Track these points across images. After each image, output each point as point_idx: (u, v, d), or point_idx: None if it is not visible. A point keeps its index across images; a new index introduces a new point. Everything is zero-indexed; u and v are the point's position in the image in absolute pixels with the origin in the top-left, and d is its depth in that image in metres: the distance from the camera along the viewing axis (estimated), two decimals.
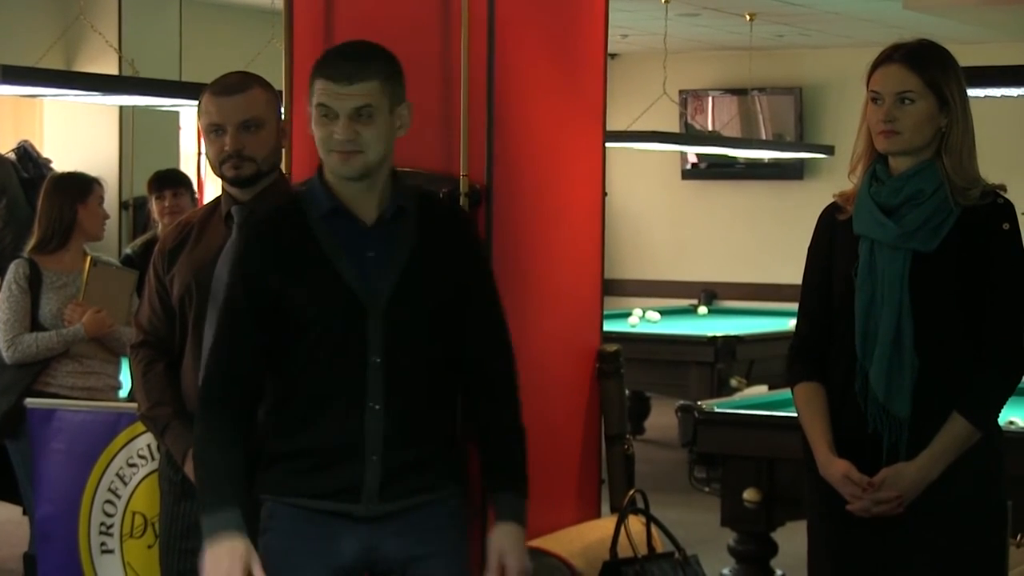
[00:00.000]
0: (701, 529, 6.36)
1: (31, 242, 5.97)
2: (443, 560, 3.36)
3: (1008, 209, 3.56)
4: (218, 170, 3.87)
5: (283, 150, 4.04)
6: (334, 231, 3.34)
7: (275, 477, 3.36)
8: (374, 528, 3.32)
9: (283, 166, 4.09)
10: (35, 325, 5.83)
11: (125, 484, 4.74)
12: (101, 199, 6.05)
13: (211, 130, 3.84)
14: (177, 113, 11.01)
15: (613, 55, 14.21)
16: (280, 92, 4.19)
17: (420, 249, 3.35)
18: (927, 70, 3.54)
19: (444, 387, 3.42)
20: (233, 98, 3.83)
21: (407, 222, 3.36)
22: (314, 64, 3.36)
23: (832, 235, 3.67)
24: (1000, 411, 3.61)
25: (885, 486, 3.49)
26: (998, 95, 7.82)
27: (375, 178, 3.34)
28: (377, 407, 3.29)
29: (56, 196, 5.97)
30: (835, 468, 3.54)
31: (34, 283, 5.85)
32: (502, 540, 3.34)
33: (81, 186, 6.02)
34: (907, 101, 3.54)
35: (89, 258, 5.94)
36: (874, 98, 3.58)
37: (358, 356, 3.29)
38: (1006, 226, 3.54)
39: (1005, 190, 3.60)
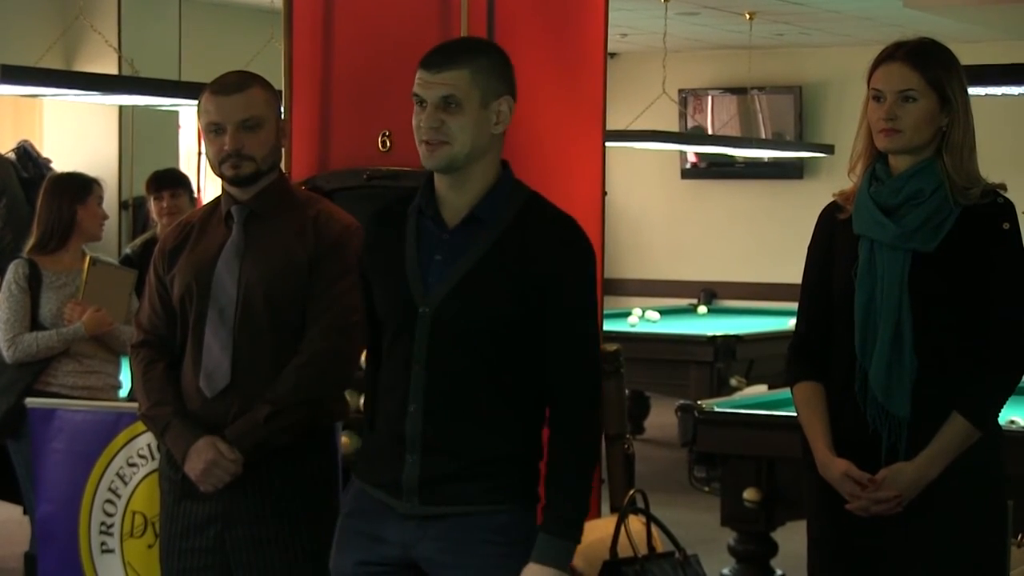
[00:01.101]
0: (701, 529, 6.36)
1: (30, 242, 5.97)
2: (473, 573, 3.28)
3: (1008, 208, 3.56)
4: (217, 169, 3.86)
5: (283, 149, 4.03)
6: (420, 229, 3.32)
7: (358, 462, 3.45)
8: (416, 527, 3.30)
9: (282, 165, 4.09)
10: (35, 325, 5.83)
11: (125, 483, 4.74)
12: (100, 199, 6.05)
13: (210, 129, 3.84)
14: (176, 113, 11.02)
15: (612, 54, 14.20)
16: (279, 91, 4.20)
17: (489, 259, 3.25)
18: (930, 69, 3.54)
19: (502, 405, 3.27)
20: (232, 97, 3.82)
21: (486, 230, 3.27)
22: None
23: (832, 234, 3.67)
24: (1000, 411, 3.61)
25: (884, 485, 3.49)
26: (998, 94, 7.82)
27: (465, 175, 3.27)
28: (415, 411, 3.27)
29: (55, 196, 5.97)
30: (835, 467, 3.54)
31: (34, 283, 5.85)
32: None
33: (80, 186, 6.02)
34: (909, 99, 3.53)
35: (88, 257, 5.94)
36: (876, 96, 3.57)
37: (405, 357, 3.28)
38: (1006, 225, 3.54)
39: (1005, 189, 3.60)
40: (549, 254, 3.25)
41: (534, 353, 3.27)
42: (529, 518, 3.31)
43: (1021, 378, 3.59)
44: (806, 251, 3.76)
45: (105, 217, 6.09)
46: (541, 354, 3.27)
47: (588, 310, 3.31)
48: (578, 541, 3.30)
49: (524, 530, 3.28)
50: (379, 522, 3.33)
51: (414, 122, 3.25)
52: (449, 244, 3.28)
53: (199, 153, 11.30)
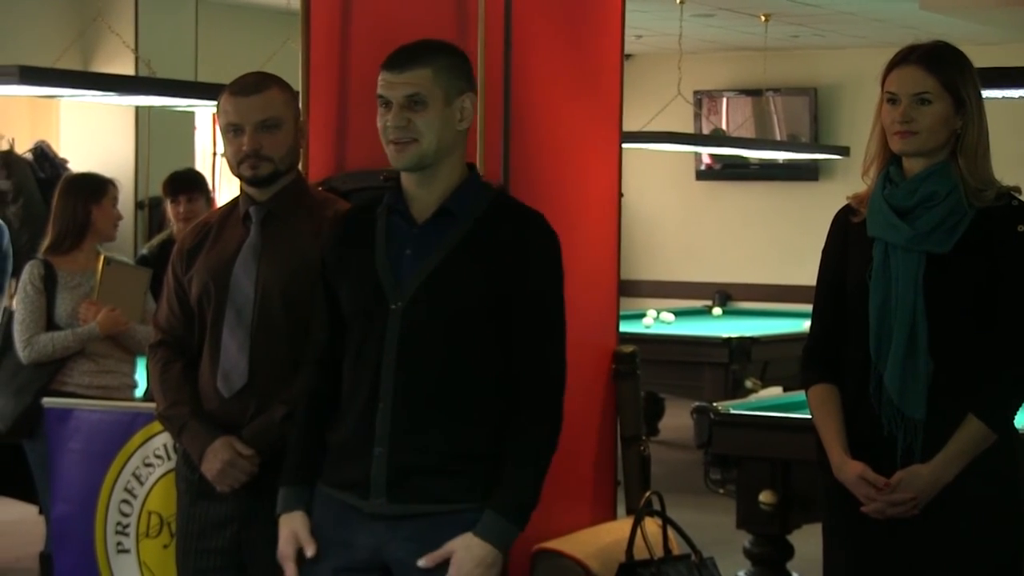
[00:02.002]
0: (717, 531, 6.35)
1: (45, 242, 5.99)
2: (442, 572, 3.25)
3: (1023, 211, 3.56)
4: (236, 170, 3.87)
5: (300, 150, 4.04)
6: (389, 226, 3.37)
7: (324, 464, 3.43)
8: (385, 528, 3.30)
9: (300, 165, 4.10)
10: (51, 325, 5.84)
11: (141, 484, 4.74)
12: (115, 200, 6.06)
13: (229, 130, 3.84)
14: (193, 113, 11.03)
15: (628, 56, 14.15)
16: (297, 92, 4.20)
17: (458, 253, 3.30)
18: (944, 71, 3.54)
19: (472, 399, 3.30)
20: (251, 98, 3.83)
21: (456, 224, 3.32)
22: None
23: (846, 237, 3.67)
24: (1016, 413, 3.61)
25: (900, 488, 3.49)
26: (1016, 96, 7.81)
27: (433, 172, 3.32)
28: (384, 406, 3.29)
29: (70, 197, 5.98)
30: (850, 469, 3.54)
31: (49, 283, 5.86)
32: (460, 551, 3.23)
33: (95, 187, 6.03)
34: (924, 102, 3.54)
35: (103, 257, 5.94)
36: (890, 99, 3.57)
37: (376, 353, 3.30)
38: (1021, 228, 3.53)
39: (1020, 191, 3.59)
40: (517, 246, 3.31)
41: (503, 347, 3.30)
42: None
43: None
44: (820, 254, 3.76)
45: (120, 217, 6.10)
46: (511, 348, 3.30)
47: (554, 299, 3.35)
48: (522, 528, 3.30)
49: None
50: (348, 528, 3.34)
51: (379, 124, 3.32)
52: (419, 238, 3.33)
53: (215, 153, 11.32)
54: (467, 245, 3.31)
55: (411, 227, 3.35)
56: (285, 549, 3.38)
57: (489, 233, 3.32)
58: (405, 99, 3.28)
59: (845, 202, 3.72)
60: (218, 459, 3.77)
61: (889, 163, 3.62)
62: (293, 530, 3.38)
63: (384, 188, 3.48)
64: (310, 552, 3.35)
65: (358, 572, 3.35)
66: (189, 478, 3.91)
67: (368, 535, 3.32)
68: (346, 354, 3.39)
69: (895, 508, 3.50)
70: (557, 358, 3.35)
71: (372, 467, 3.29)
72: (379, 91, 3.31)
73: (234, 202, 3.98)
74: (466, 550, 3.23)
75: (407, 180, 3.36)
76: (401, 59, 3.31)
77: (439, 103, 3.30)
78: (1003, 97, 7.51)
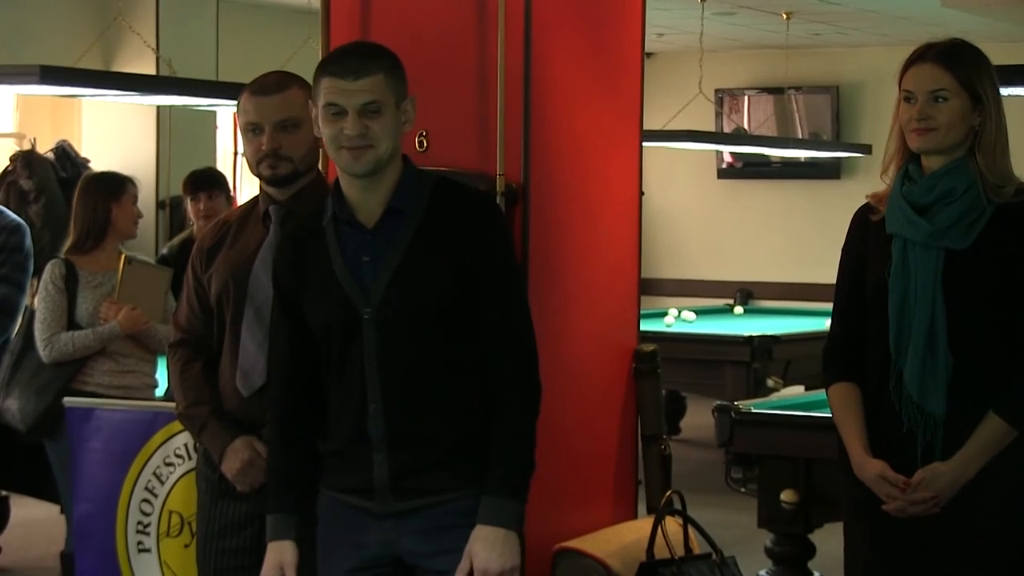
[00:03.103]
0: (738, 530, 6.34)
1: (67, 242, 6.00)
2: (449, 558, 3.31)
3: None
4: (255, 169, 3.88)
5: (320, 150, 4.04)
6: (339, 236, 3.39)
7: (322, 472, 3.45)
8: (394, 524, 3.36)
9: (320, 165, 4.10)
10: (72, 324, 5.85)
11: (162, 483, 4.75)
12: (135, 198, 6.07)
13: (248, 129, 3.85)
14: (214, 112, 11.04)
15: (649, 54, 14.19)
16: (311, 85, 4.19)
17: (416, 248, 3.34)
18: (961, 68, 3.54)
19: (457, 387, 3.36)
20: (271, 97, 3.83)
21: (405, 221, 3.35)
22: (318, 65, 3.40)
23: (865, 236, 3.66)
24: None
25: (921, 486, 3.48)
26: None
27: (381, 176, 3.35)
28: (376, 409, 3.33)
29: (90, 196, 5.99)
30: (870, 468, 3.53)
31: (70, 283, 5.87)
32: (472, 544, 3.28)
33: (114, 185, 6.04)
34: (941, 99, 3.53)
35: (124, 256, 5.95)
36: (907, 97, 3.57)
37: (357, 362, 3.34)
38: None
39: None
40: (470, 230, 3.35)
41: (471, 327, 3.35)
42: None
43: None
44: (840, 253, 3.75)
45: (140, 216, 6.11)
46: (479, 329, 3.35)
47: (513, 274, 3.42)
48: (523, 501, 3.34)
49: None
50: (358, 527, 3.39)
51: (330, 131, 3.32)
52: (373, 242, 3.35)
53: (235, 153, 11.33)
54: (422, 240, 3.34)
55: (362, 233, 3.37)
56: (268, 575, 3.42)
57: (439, 223, 3.35)
58: (362, 106, 3.30)
59: (866, 200, 3.71)
60: (238, 459, 3.78)
61: (908, 161, 3.61)
62: (280, 561, 3.41)
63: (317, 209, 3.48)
64: None
65: (371, 569, 3.40)
66: (209, 477, 3.91)
67: (378, 532, 3.37)
68: (326, 368, 3.41)
69: (916, 507, 3.49)
70: (524, 328, 3.40)
71: (374, 471, 3.35)
72: (329, 99, 3.31)
73: (254, 201, 3.98)
74: (477, 541, 3.28)
75: (350, 186, 3.37)
76: (353, 65, 3.32)
77: (391, 108, 3.34)
78: None
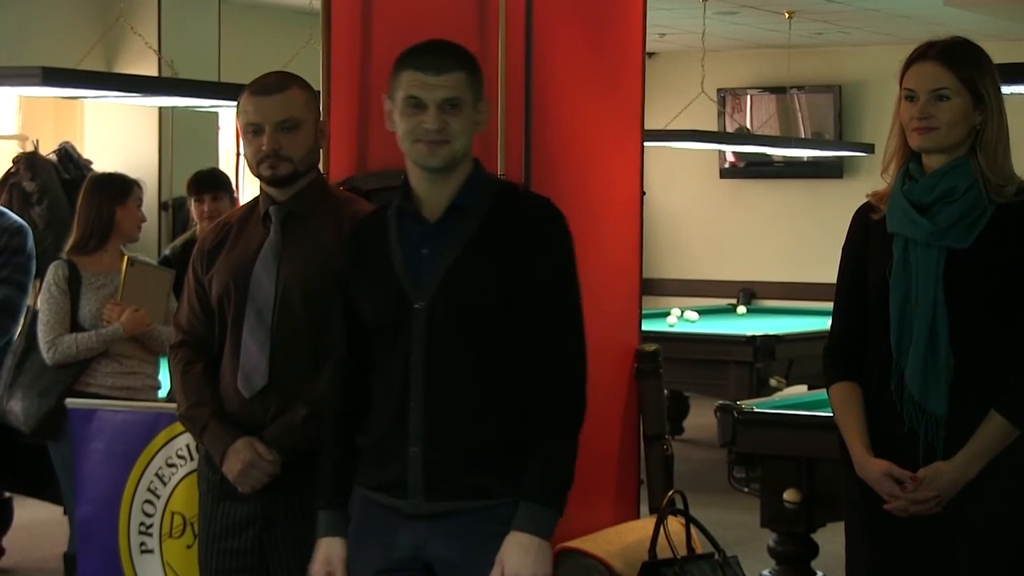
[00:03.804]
0: (740, 530, 6.35)
1: (69, 243, 6.00)
2: (483, 569, 3.28)
3: None
4: (255, 169, 3.87)
5: (320, 151, 4.03)
6: (401, 228, 3.40)
7: (359, 468, 3.46)
8: (425, 526, 3.33)
9: (321, 165, 4.10)
10: (74, 326, 5.84)
11: (164, 484, 4.75)
12: (139, 201, 6.07)
13: (249, 129, 3.84)
14: (216, 114, 11.05)
15: (651, 54, 14.18)
16: (318, 92, 4.20)
17: (474, 248, 3.33)
18: (962, 67, 3.54)
19: (500, 391, 3.33)
20: (271, 98, 3.83)
21: (468, 219, 3.35)
22: (398, 58, 3.39)
23: (866, 235, 3.66)
24: None
25: (923, 486, 3.47)
26: None
27: (450, 173, 3.36)
28: (416, 407, 3.32)
29: (95, 197, 5.99)
30: (872, 467, 3.53)
31: (73, 284, 5.87)
32: (505, 549, 3.26)
33: (120, 187, 6.04)
34: (942, 98, 3.53)
35: (126, 258, 5.95)
36: (908, 96, 3.57)
37: (403, 355, 3.33)
38: None
39: None
40: (529, 236, 3.34)
41: (523, 334, 3.33)
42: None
43: None
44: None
45: (143, 219, 6.11)
46: (530, 335, 3.33)
47: (569, 284, 3.39)
48: (560, 511, 3.32)
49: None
50: (388, 528, 3.37)
51: (407, 125, 3.32)
52: (434, 236, 3.36)
53: (238, 154, 11.33)
54: (481, 239, 3.34)
55: (424, 226, 3.37)
56: (318, 570, 3.44)
57: (501, 225, 3.35)
58: (443, 101, 3.31)
59: (866, 199, 3.71)
60: (239, 460, 3.77)
61: (909, 160, 3.61)
62: (329, 556, 3.43)
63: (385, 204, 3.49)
64: None
65: (399, 571, 3.38)
66: (211, 479, 3.91)
67: (408, 534, 3.35)
68: (374, 360, 3.41)
69: (918, 506, 3.49)
70: (575, 343, 3.37)
71: (408, 468, 3.32)
72: (411, 92, 3.32)
73: (254, 201, 3.98)
74: (510, 547, 3.26)
75: (419, 180, 3.39)
76: (437, 61, 3.33)
77: (469, 107, 3.35)
78: None
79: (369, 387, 3.43)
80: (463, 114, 3.33)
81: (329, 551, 3.43)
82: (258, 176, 3.88)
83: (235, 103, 4.04)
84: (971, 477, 3.47)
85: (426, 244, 3.35)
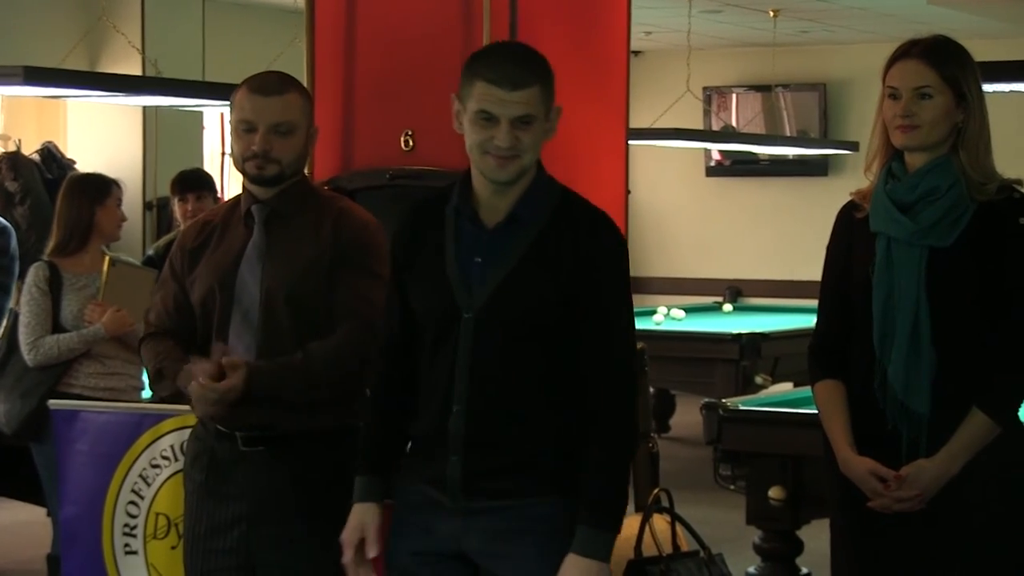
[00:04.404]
0: (726, 527, 6.34)
1: (50, 244, 5.97)
2: (510, 563, 3.35)
3: None
4: (240, 166, 3.85)
5: (308, 157, 4.01)
6: (458, 230, 3.38)
7: (407, 461, 3.51)
8: (462, 521, 3.38)
9: (306, 165, 4.09)
10: (56, 327, 5.82)
11: (148, 485, 4.74)
12: (119, 200, 6.04)
13: (241, 126, 3.81)
14: (200, 113, 11.03)
15: (637, 52, 14.19)
16: (309, 92, 4.18)
17: (528, 261, 3.32)
18: (945, 65, 3.54)
19: (543, 402, 3.34)
20: (270, 99, 3.79)
21: (525, 230, 3.34)
22: (472, 61, 3.36)
23: (850, 233, 3.66)
24: (1020, 407, 3.59)
25: (906, 484, 3.47)
26: (1022, 90, 7.78)
27: (516, 182, 3.34)
28: (459, 409, 3.34)
29: (74, 198, 5.97)
30: (856, 465, 3.53)
31: (54, 285, 5.85)
32: (565, 571, 3.28)
33: (99, 188, 6.01)
34: (925, 96, 3.53)
35: (108, 258, 5.93)
36: (892, 94, 3.57)
37: (450, 357, 3.35)
38: (1022, 220, 3.52)
39: (1022, 184, 3.58)
40: (585, 250, 3.32)
41: (573, 348, 3.33)
42: (568, 507, 3.33)
43: None
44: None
45: (124, 219, 6.08)
46: (579, 349, 3.33)
47: (623, 301, 3.38)
48: (617, 531, 3.34)
49: (564, 519, 3.32)
50: (429, 515, 3.41)
51: (478, 137, 3.29)
52: (489, 245, 3.35)
53: (223, 153, 11.32)
54: (536, 252, 3.33)
55: (481, 233, 3.36)
56: (349, 536, 3.46)
57: (557, 238, 3.33)
58: (516, 118, 3.28)
59: (849, 198, 3.71)
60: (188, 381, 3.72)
61: (892, 159, 3.61)
62: (362, 522, 3.45)
63: (446, 186, 3.48)
64: (372, 553, 3.43)
65: (436, 557, 3.42)
66: (196, 478, 3.90)
67: (448, 524, 3.39)
68: (421, 351, 3.43)
69: (901, 504, 3.49)
70: (625, 360, 3.36)
71: (448, 469, 3.36)
72: (483, 106, 3.28)
73: (236, 200, 3.96)
74: (571, 571, 3.28)
75: (482, 187, 3.36)
76: (513, 76, 3.28)
77: (542, 120, 3.33)
78: (1011, 91, 7.47)
79: (414, 368, 3.45)
80: (535, 128, 3.31)
81: (363, 517, 3.46)
82: (242, 172, 3.86)
83: (220, 103, 4.04)
84: (954, 474, 3.47)
85: (480, 252, 3.34)
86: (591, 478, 3.30)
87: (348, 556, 3.45)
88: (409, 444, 3.52)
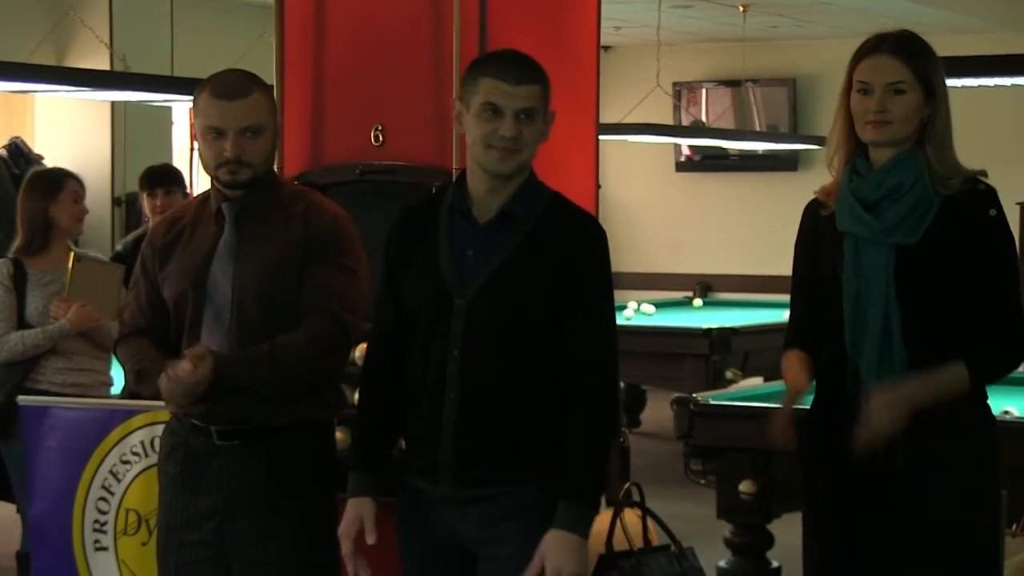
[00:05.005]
0: (697, 521, 6.34)
1: (16, 243, 5.94)
2: (500, 546, 3.49)
3: (991, 195, 3.57)
4: (212, 172, 3.81)
5: (275, 154, 3.99)
6: (452, 226, 3.54)
7: (404, 449, 3.65)
8: (456, 510, 3.51)
9: (276, 160, 4.07)
10: (22, 324, 5.80)
11: (119, 481, 4.73)
12: (76, 195, 5.98)
13: (210, 132, 3.77)
14: (169, 108, 11.00)
15: (606, 47, 14.20)
16: (271, 87, 4.17)
17: (520, 254, 3.48)
18: (917, 61, 3.55)
19: (533, 390, 3.49)
20: (235, 103, 3.75)
21: (516, 227, 3.51)
22: (475, 64, 3.58)
23: (816, 232, 3.67)
24: (994, 381, 3.59)
25: (875, 396, 3.45)
26: (991, 84, 7.82)
27: (509, 180, 3.51)
28: (453, 397, 3.48)
29: (30, 196, 5.94)
30: (804, 381, 3.58)
31: (19, 282, 5.82)
32: (546, 545, 3.41)
33: (51, 184, 5.96)
34: (899, 92, 3.54)
35: (73, 254, 5.89)
36: (862, 89, 3.57)
37: (442, 348, 3.49)
38: (992, 212, 3.54)
39: (986, 175, 3.60)
40: (572, 247, 3.52)
41: (560, 338, 3.49)
42: (558, 492, 3.47)
43: (1022, 362, 3.59)
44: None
45: (83, 212, 6.01)
46: (566, 340, 3.49)
47: (606, 294, 3.58)
48: (596, 510, 3.50)
49: (554, 504, 3.45)
50: (427, 511, 3.55)
51: (482, 130, 3.47)
52: (481, 240, 3.51)
53: (192, 148, 11.28)
54: (527, 246, 3.49)
55: (473, 228, 3.52)
56: (347, 529, 3.57)
57: (545, 237, 3.51)
58: (520, 111, 3.46)
59: (814, 196, 3.72)
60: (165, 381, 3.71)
61: (856, 156, 3.61)
62: (359, 515, 3.56)
63: (438, 188, 3.71)
64: (371, 540, 3.55)
65: (441, 553, 3.58)
66: (171, 472, 3.89)
67: (441, 517, 3.53)
68: (413, 345, 3.56)
69: (875, 423, 3.44)
70: (608, 349, 3.54)
71: (441, 455, 3.50)
72: (489, 99, 3.46)
73: (205, 196, 3.94)
74: (553, 544, 3.41)
75: (478, 183, 3.53)
76: (518, 72, 3.48)
77: (541, 117, 3.52)
78: (978, 86, 7.51)
79: (403, 364, 3.57)
80: (535, 124, 3.49)
81: (359, 510, 3.56)
82: (215, 179, 3.83)
83: (189, 97, 3.99)
84: (916, 403, 3.43)
85: (472, 246, 3.51)
86: (574, 457, 3.45)
87: (347, 548, 3.56)
88: (401, 439, 3.63)
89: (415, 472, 3.55)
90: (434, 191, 4.09)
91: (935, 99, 3.55)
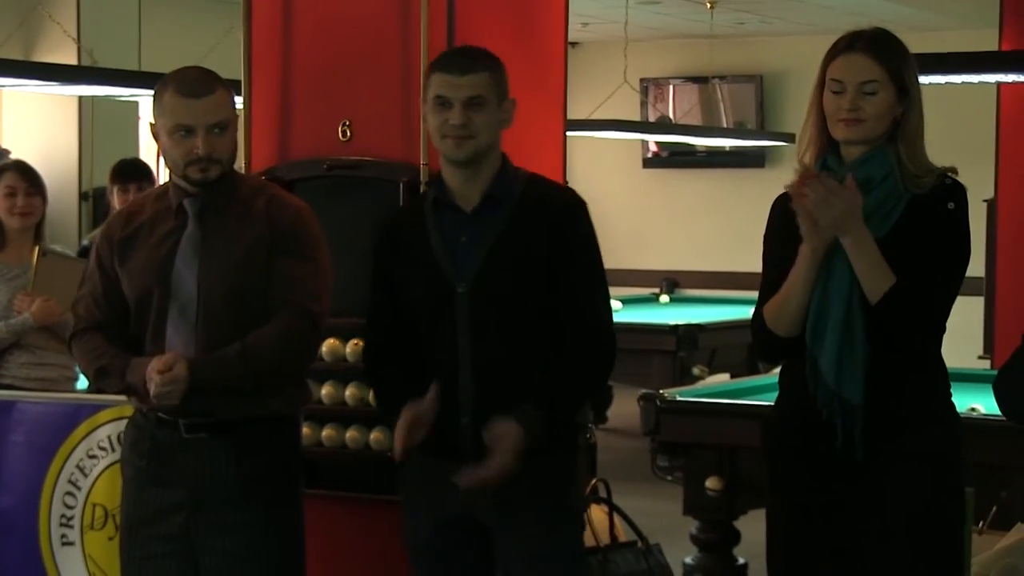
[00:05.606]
0: (663, 518, 6.37)
1: None
2: (514, 519, 3.65)
3: (955, 189, 3.56)
4: (181, 171, 3.79)
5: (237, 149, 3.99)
6: (439, 218, 3.71)
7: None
8: (472, 489, 3.61)
9: (243, 154, 4.07)
10: None
11: (85, 476, 4.72)
12: (9, 188, 5.89)
13: (178, 131, 3.75)
14: (136, 103, 10.94)
15: (574, 44, 14.20)
16: (238, 82, 4.16)
17: (507, 235, 3.66)
18: (890, 59, 3.55)
19: (542, 360, 3.65)
20: (203, 100, 3.75)
21: (501, 209, 3.68)
22: (430, 64, 3.78)
23: (785, 226, 3.67)
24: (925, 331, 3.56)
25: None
26: (958, 82, 7.85)
27: (481, 165, 3.69)
28: (466, 382, 3.64)
29: None
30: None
31: None
32: (498, 427, 3.55)
33: None
34: (871, 91, 3.54)
35: (38, 248, 5.87)
36: (836, 87, 3.57)
37: (450, 334, 3.66)
38: (951, 205, 3.54)
39: (956, 172, 3.61)
40: (555, 215, 3.72)
41: (560, 310, 3.68)
42: (568, 463, 3.74)
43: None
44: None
45: (22, 207, 5.89)
46: (562, 299, 3.68)
47: (595, 260, 3.77)
48: (553, 434, 3.62)
49: (565, 476, 3.73)
50: (440, 486, 3.65)
51: (436, 121, 3.66)
52: (471, 224, 3.69)
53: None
54: (516, 223, 3.68)
55: (461, 216, 3.70)
56: (403, 423, 3.62)
57: (530, 211, 3.70)
58: (467, 99, 3.64)
59: (784, 190, 3.72)
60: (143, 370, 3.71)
61: (827, 153, 3.62)
62: (406, 416, 3.62)
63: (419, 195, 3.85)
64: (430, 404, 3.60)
65: (454, 526, 3.71)
66: (137, 464, 3.88)
67: (455, 491, 3.63)
68: (420, 335, 3.71)
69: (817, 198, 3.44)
70: (604, 314, 3.76)
71: (458, 435, 3.65)
72: (438, 91, 3.66)
73: (162, 190, 3.92)
74: (500, 427, 3.56)
75: (452, 175, 3.71)
76: (462, 63, 3.68)
77: (493, 105, 3.69)
78: (947, 83, 7.54)
79: (412, 348, 3.72)
80: (487, 111, 3.66)
81: (407, 411, 3.60)
82: (184, 178, 3.80)
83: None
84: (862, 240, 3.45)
85: (464, 232, 3.68)
86: (549, 383, 3.63)
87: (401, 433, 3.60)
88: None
89: (428, 450, 3.63)
90: (401, 187, 4.26)
91: (908, 98, 3.56)
